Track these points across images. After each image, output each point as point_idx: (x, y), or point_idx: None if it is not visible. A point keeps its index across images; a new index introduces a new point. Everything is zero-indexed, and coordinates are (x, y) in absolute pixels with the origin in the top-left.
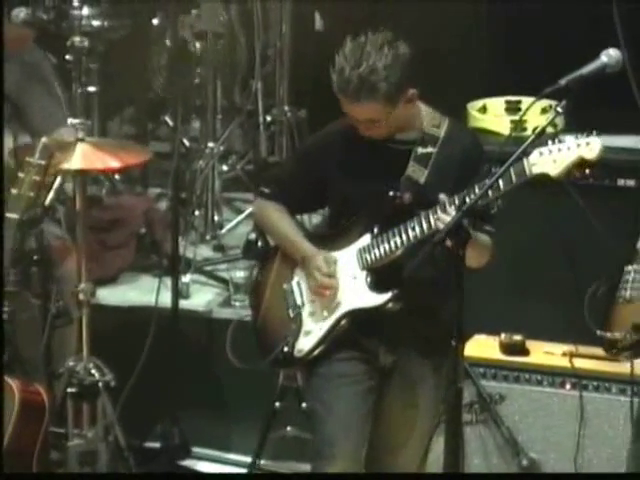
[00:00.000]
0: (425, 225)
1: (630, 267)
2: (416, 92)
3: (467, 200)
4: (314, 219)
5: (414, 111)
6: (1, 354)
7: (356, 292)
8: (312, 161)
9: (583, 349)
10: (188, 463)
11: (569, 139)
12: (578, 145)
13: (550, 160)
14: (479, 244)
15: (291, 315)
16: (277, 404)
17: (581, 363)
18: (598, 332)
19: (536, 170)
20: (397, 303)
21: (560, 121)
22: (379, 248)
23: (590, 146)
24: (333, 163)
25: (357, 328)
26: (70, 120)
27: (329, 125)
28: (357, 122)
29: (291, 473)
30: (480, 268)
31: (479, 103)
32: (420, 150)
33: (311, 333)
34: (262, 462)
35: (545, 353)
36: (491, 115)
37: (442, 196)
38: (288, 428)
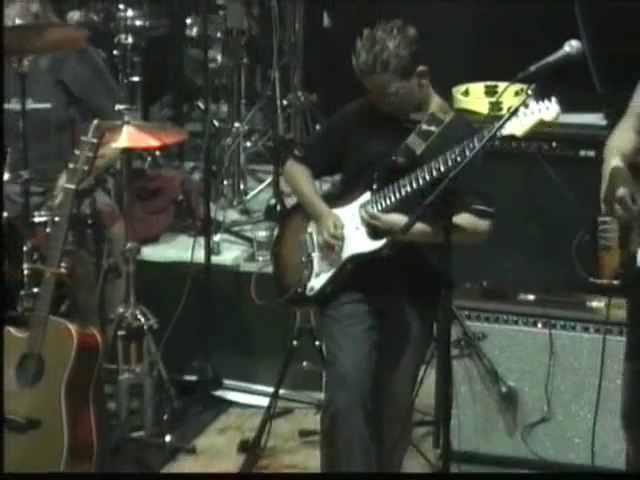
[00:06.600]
0: (414, 184)
1: (602, 218)
2: (426, 69)
3: (449, 164)
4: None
5: (426, 93)
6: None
7: (358, 240)
8: (336, 131)
9: (552, 296)
10: (220, 393)
11: (532, 104)
12: (539, 110)
13: (517, 123)
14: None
15: (304, 261)
16: (295, 342)
17: (550, 306)
18: (590, 279)
19: (505, 132)
20: (391, 249)
21: (531, 102)
22: (377, 203)
23: (549, 110)
24: (353, 133)
25: (359, 274)
26: (117, 106)
27: (352, 102)
28: (376, 96)
29: (291, 473)
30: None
31: (462, 87)
32: (424, 127)
33: (320, 275)
34: (282, 391)
35: (520, 298)
36: (472, 97)
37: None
38: (304, 363)
